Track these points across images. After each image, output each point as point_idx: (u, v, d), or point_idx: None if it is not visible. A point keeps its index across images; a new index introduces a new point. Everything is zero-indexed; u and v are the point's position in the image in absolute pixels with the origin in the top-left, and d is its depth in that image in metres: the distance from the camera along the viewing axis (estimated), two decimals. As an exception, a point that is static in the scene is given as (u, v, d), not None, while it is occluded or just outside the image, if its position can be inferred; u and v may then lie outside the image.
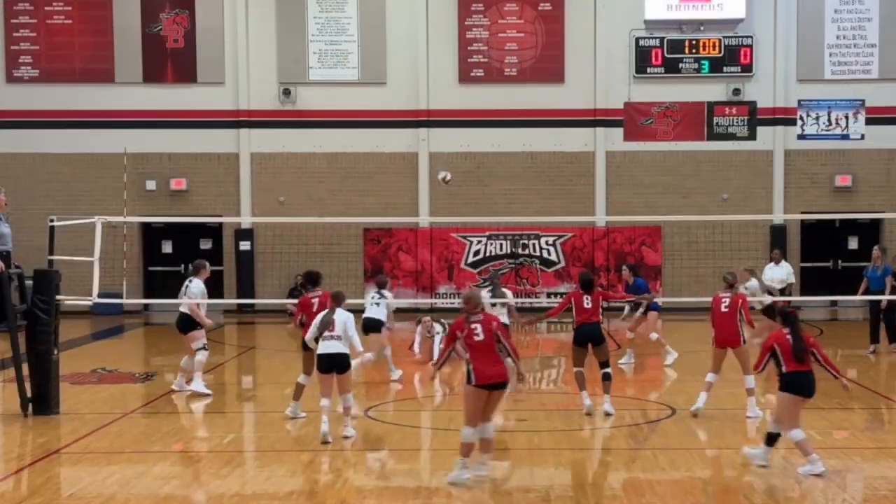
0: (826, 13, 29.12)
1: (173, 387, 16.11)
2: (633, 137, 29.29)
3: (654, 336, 18.99)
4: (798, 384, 10.78)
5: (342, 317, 12.38)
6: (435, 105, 29.31)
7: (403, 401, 15.82)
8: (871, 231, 29.24)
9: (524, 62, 29.36)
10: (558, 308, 14.46)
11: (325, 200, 29.07)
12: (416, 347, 19.42)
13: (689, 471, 11.20)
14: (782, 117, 29.17)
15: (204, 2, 29.37)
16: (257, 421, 14.72)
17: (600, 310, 13.88)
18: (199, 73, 29.44)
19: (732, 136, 29.27)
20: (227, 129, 29.42)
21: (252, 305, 28.92)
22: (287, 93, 29.19)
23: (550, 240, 29.22)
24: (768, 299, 18.86)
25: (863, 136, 29.19)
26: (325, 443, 12.16)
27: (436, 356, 18.62)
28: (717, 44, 29.01)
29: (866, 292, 20.18)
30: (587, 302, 13.81)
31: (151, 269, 29.97)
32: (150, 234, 29.89)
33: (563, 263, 29.20)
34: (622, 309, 20.34)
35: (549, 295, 28.46)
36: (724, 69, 29.06)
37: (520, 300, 19.66)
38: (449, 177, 20.06)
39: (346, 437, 12.44)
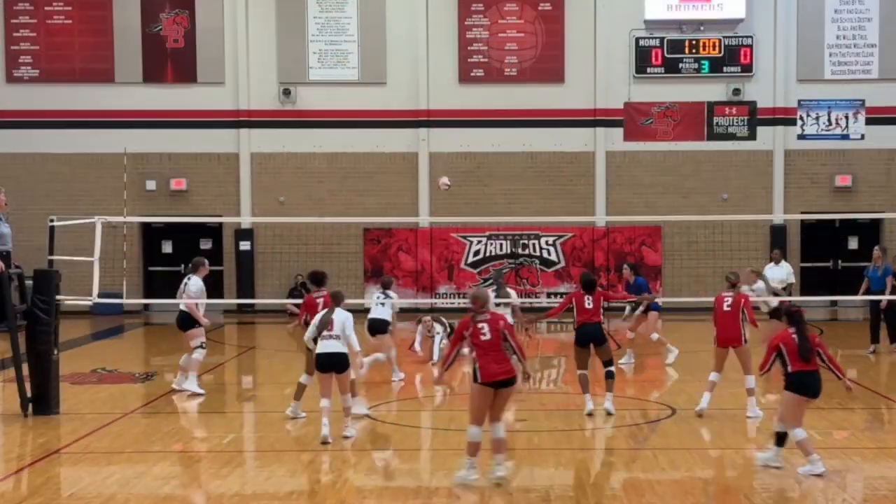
0: (826, 13, 29.12)
1: (174, 385, 16.12)
2: (633, 137, 29.29)
3: (654, 336, 19.01)
4: (804, 384, 10.77)
5: (341, 316, 12.39)
6: (435, 105, 29.31)
7: (404, 401, 15.82)
8: (871, 231, 29.24)
9: (524, 62, 29.36)
10: (558, 308, 14.48)
11: (325, 200, 29.07)
12: (417, 347, 19.42)
13: (689, 471, 11.20)
14: (782, 117, 29.17)
15: (204, 2, 29.38)
16: (257, 421, 14.72)
17: (601, 310, 13.90)
18: (199, 73, 29.44)
19: (732, 136, 29.27)
20: (227, 129, 29.42)
21: (252, 305, 28.92)
22: (287, 93, 29.18)
23: (550, 240, 29.22)
24: (774, 301, 18.84)
25: (863, 136, 29.18)
26: (325, 443, 12.16)
27: (435, 356, 18.71)
28: (717, 44, 29.02)
29: (867, 292, 20.19)
30: (588, 302, 13.83)
31: (151, 269, 29.97)
32: (150, 234, 29.89)
33: (563, 263, 29.20)
34: (623, 309, 20.35)
35: (549, 295, 28.46)
36: (724, 69, 29.06)
37: (520, 300, 19.62)
38: (449, 183, 20.08)
39: (346, 437, 12.44)
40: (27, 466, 11.45)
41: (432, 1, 29.25)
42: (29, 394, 14.08)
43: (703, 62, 29.06)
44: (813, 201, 29.14)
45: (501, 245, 29.32)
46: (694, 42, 29.05)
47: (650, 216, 27.54)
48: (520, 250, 29.27)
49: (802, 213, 28.52)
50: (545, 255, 29.27)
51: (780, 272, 21.33)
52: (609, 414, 13.78)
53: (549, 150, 29.31)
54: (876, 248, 20.74)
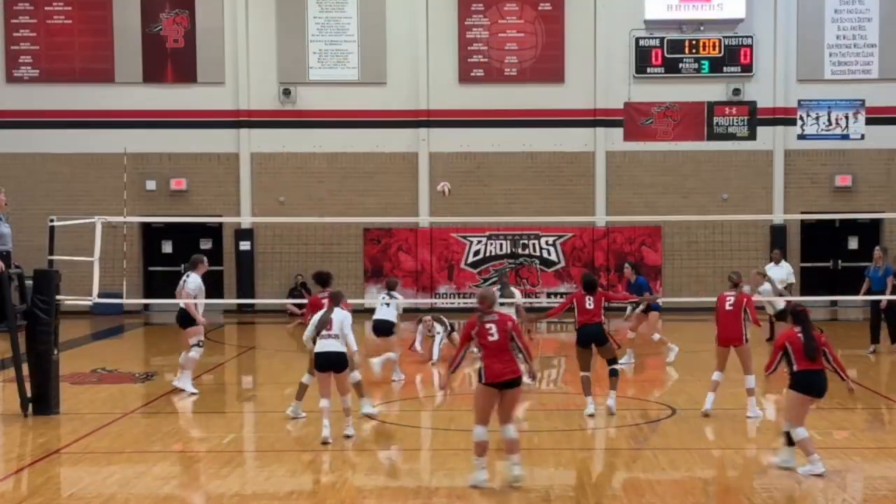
0: (826, 13, 29.12)
1: (174, 383, 16.12)
2: (633, 137, 29.29)
3: (656, 337, 19.03)
4: (808, 383, 10.76)
5: (339, 316, 12.40)
6: (435, 105, 29.31)
7: (404, 401, 15.81)
8: (871, 231, 29.25)
9: (524, 62, 29.36)
10: (559, 308, 14.51)
11: (325, 200, 29.07)
12: (418, 346, 19.43)
13: (689, 471, 11.20)
14: (782, 117, 29.18)
15: (204, 2, 29.38)
16: (257, 421, 14.72)
17: (602, 310, 13.92)
18: (199, 73, 29.44)
19: (732, 136, 29.27)
20: (227, 129, 29.42)
21: (252, 305, 28.92)
22: (287, 93, 29.19)
23: (550, 240, 29.22)
24: (781, 304, 18.86)
25: (863, 136, 29.19)
26: (325, 443, 12.16)
27: (435, 356, 18.72)
28: (717, 44, 29.02)
29: (868, 293, 20.20)
30: (589, 303, 13.86)
31: (151, 269, 29.97)
32: (150, 234, 29.89)
33: (563, 263, 29.20)
34: (624, 309, 20.36)
35: (549, 295, 28.46)
36: (724, 69, 29.06)
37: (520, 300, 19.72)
38: (448, 189, 20.11)
39: (346, 437, 12.44)
40: (27, 466, 11.45)
41: (432, 1, 29.26)
42: (29, 394, 14.08)
43: (703, 62, 29.06)
44: (813, 201, 29.14)
45: (501, 245, 29.31)
46: (694, 42, 29.05)
47: (650, 216, 27.54)
48: (520, 250, 29.27)
49: (802, 213, 28.52)
50: (545, 255, 29.27)
51: (781, 272, 21.36)
52: (611, 413, 13.78)
53: (549, 150, 29.31)
54: (877, 248, 20.76)
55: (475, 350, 10.79)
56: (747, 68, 29.01)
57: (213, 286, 25.73)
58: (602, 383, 14.39)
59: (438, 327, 19.12)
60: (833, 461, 11.14)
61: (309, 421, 13.38)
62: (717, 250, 27.17)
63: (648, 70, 29.10)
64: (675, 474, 11.03)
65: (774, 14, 29.05)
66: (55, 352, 14.32)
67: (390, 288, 17.48)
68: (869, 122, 29.09)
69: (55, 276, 14.52)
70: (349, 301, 12.99)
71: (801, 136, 29.29)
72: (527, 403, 14.58)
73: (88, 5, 29.43)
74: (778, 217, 28.72)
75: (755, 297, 17.40)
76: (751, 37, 28.99)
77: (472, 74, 29.39)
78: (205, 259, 16.37)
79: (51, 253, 15.74)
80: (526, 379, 11.02)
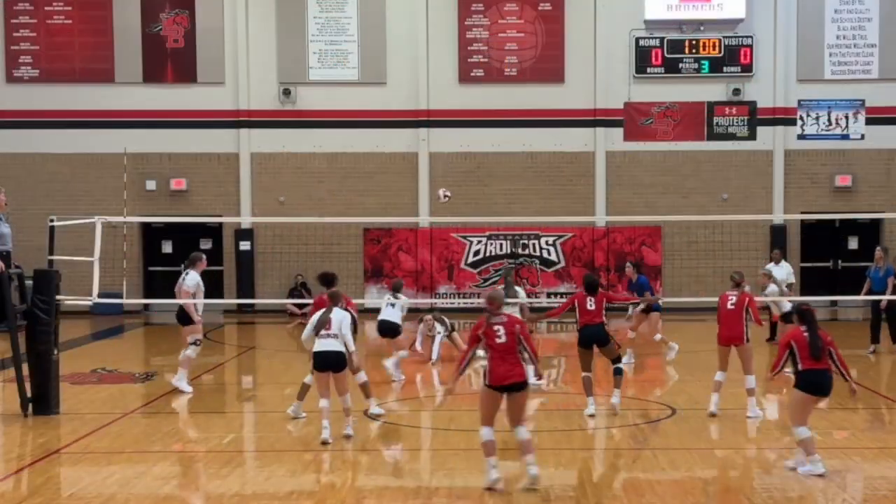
0: (826, 13, 29.12)
1: (172, 382, 16.13)
2: (633, 137, 29.30)
3: (658, 337, 19.04)
4: (813, 382, 10.75)
5: (338, 315, 12.41)
6: (435, 105, 29.31)
7: (404, 401, 15.82)
8: (871, 231, 29.26)
9: (524, 62, 29.36)
10: (560, 308, 14.54)
11: (325, 200, 29.07)
12: (419, 346, 19.44)
13: (689, 471, 11.20)
14: (782, 117, 29.18)
15: (204, 2, 29.38)
16: (257, 421, 14.72)
17: (603, 311, 13.94)
18: (199, 73, 29.45)
19: (732, 136, 29.27)
20: (227, 129, 29.42)
21: (252, 305, 28.92)
22: (287, 93, 29.19)
23: (550, 240, 29.22)
24: (787, 306, 18.86)
25: (863, 136, 29.19)
26: (325, 443, 12.16)
27: (434, 355, 18.73)
28: (717, 44, 29.02)
29: (869, 293, 20.20)
30: (590, 304, 13.87)
31: (151, 269, 29.97)
32: (150, 234, 29.89)
33: (563, 263, 29.20)
34: (626, 309, 20.35)
35: (549, 295, 28.46)
36: (724, 69, 29.07)
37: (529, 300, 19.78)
38: (448, 195, 20.13)
39: (346, 437, 12.44)
40: (27, 466, 11.45)
41: (432, 1, 29.26)
42: (29, 394, 14.08)
43: (703, 62, 29.06)
44: (813, 201, 29.14)
45: (501, 245, 29.31)
46: (694, 42, 29.05)
47: (650, 216, 27.55)
48: (520, 250, 29.27)
49: (802, 213, 28.52)
50: (545, 255, 29.27)
51: (781, 272, 21.34)
52: (614, 411, 13.80)
53: (549, 150, 29.31)
54: (878, 248, 20.77)
55: (481, 353, 10.74)
56: (747, 68, 29.01)
57: (213, 286, 25.75)
58: (602, 384, 14.38)
59: (439, 327, 19.13)
60: (833, 461, 11.14)
61: (309, 421, 13.38)
62: (717, 250, 27.18)
63: (648, 70, 29.11)
64: (675, 474, 11.03)
65: (774, 14, 29.05)
66: (55, 352, 14.31)
67: (396, 290, 17.58)
68: (869, 122, 29.09)
69: (55, 276, 14.52)
70: (353, 301, 12.99)
71: (801, 136, 29.29)
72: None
73: (88, 5, 29.44)
74: (778, 217, 28.72)
75: (758, 298, 17.40)
76: (751, 37, 28.99)
77: (472, 74, 29.39)
78: (203, 257, 16.39)
79: (51, 253, 15.75)
80: (532, 379, 10.99)
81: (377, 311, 17.84)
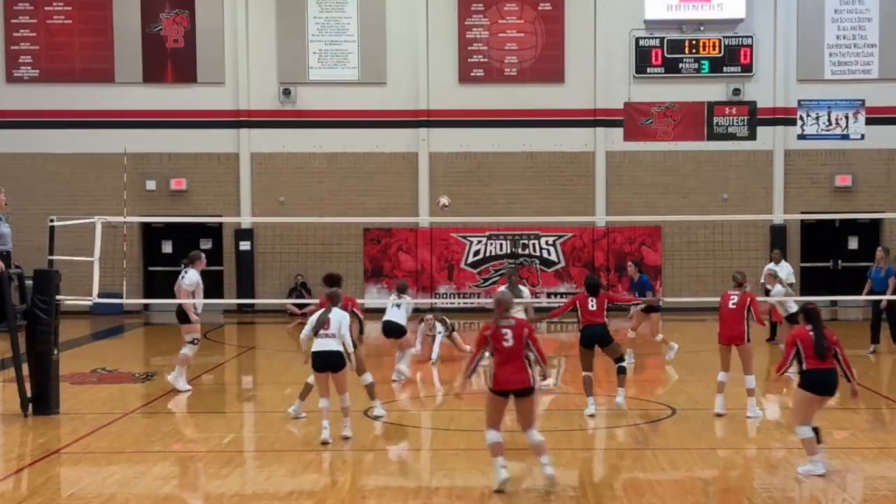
0: (826, 13, 29.12)
1: (169, 379, 16.15)
2: (633, 137, 29.29)
3: (659, 337, 19.05)
4: (819, 382, 10.72)
5: (337, 316, 12.40)
6: (435, 105, 29.31)
7: (404, 401, 15.81)
8: (871, 231, 29.26)
9: (524, 62, 29.36)
10: (562, 309, 14.61)
11: (325, 200, 29.07)
12: (419, 346, 19.44)
13: (689, 471, 11.20)
14: (782, 117, 29.18)
15: (204, 2, 29.37)
16: (257, 421, 14.71)
17: (605, 311, 13.97)
18: (199, 73, 29.44)
19: (732, 136, 29.27)
20: (227, 129, 29.42)
21: (252, 305, 28.92)
22: (287, 93, 29.18)
23: (550, 240, 29.22)
24: (793, 307, 18.85)
25: (863, 136, 29.19)
26: (325, 444, 12.16)
27: (434, 355, 18.74)
28: (717, 44, 29.02)
29: (870, 293, 20.21)
30: (592, 304, 13.92)
31: (151, 269, 29.97)
32: (150, 234, 29.89)
33: (563, 263, 29.20)
34: (627, 310, 20.35)
35: (549, 295, 28.46)
36: (724, 69, 29.06)
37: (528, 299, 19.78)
38: (448, 203, 20.15)
39: (345, 438, 12.43)
40: (27, 466, 11.45)
41: (432, 1, 29.25)
42: (29, 394, 14.08)
43: (703, 62, 29.06)
44: (813, 201, 29.14)
45: (501, 245, 29.31)
46: (694, 42, 29.05)
47: (650, 216, 27.55)
48: (520, 250, 29.26)
49: (802, 213, 28.51)
50: (545, 255, 29.27)
51: (781, 272, 21.36)
52: (622, 410, 13.80)
53: (549, 150, 29.31)
54: (879, 249, 20.79)
55: (487, 355, 10.68)
56: (747, 68, 29.01)
57: (213, 286, 25.76)
58: (603, 383, 14.38)
59: (440, 327, 19.16)
60: (833, 461, 11.14)
61: (309, 421, 13.38)
62: (717, 250, 27.18)
63: (648, 70, 29.10)
64: (675, 474, 11.03)
65: (774, 14, 29.05)
66: (55, 352, 14.31)
67: (401, 291, 17.60)
68: (869, 122, 29.09)
69: (55, 276, 14.52)
70: (357, 301, 12.98)
71: (801, 136, 29.29)
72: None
73: (88, 5, 29.43)
74: (778, 217, 28.72)
75: (762, 299, 17.41)
76: (751, 37, 28.99)
77: (472, 74, 29.39)
78: (203, 255, 16.39)
79: (51, 253, 15.74)
80: (539, 381, 10.96)
81: (377, 311, 17.85)
